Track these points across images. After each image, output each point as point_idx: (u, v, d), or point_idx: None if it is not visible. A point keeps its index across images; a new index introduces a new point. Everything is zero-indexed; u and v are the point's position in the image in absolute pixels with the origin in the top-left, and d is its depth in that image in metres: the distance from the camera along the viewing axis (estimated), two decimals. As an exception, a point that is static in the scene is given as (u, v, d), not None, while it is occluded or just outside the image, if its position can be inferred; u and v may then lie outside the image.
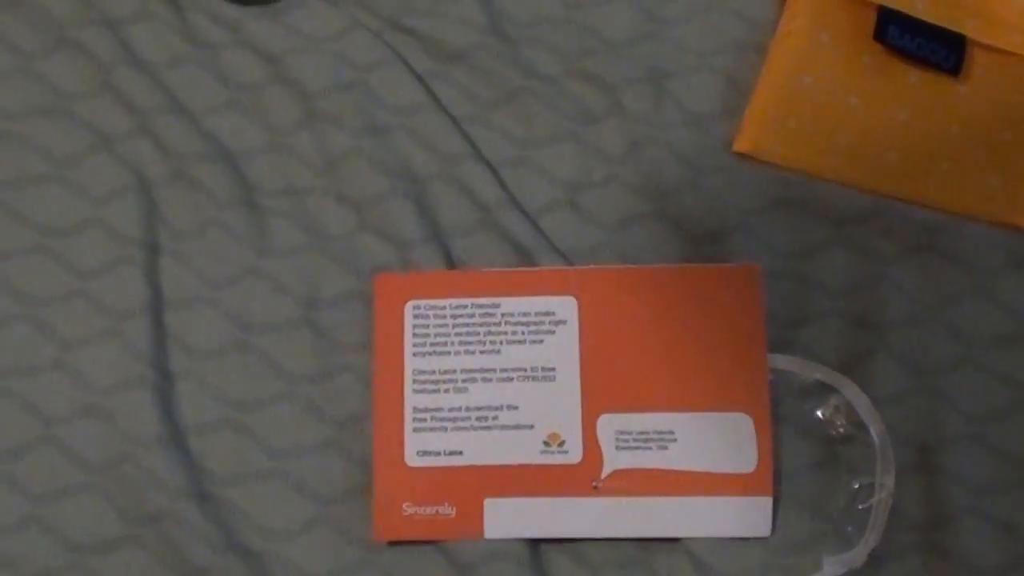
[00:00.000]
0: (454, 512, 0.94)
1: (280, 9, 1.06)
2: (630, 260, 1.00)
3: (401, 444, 0.95)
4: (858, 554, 0.93)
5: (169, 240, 1.00)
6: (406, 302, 0.97)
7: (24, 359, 0.98)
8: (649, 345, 0.96)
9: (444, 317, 0.97)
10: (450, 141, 1.02)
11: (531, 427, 0.95)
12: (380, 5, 1.06)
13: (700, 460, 0.94)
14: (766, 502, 0.94)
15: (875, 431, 0.95)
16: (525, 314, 0.97)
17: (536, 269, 0.98)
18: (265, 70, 1.04)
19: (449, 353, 0.96)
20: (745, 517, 0.94)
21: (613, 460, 0.94)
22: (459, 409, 0.96)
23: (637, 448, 0.94)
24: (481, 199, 1.01)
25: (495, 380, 0.96)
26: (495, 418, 0.95)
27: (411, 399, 0.96)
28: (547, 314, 0.97)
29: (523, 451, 0.95)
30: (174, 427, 0.96)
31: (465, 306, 0.97)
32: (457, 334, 0.97)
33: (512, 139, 1.03)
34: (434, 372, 0.96)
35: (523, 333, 0.97)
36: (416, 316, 0.97)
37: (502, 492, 0.94)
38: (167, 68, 1.04)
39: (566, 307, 0.97)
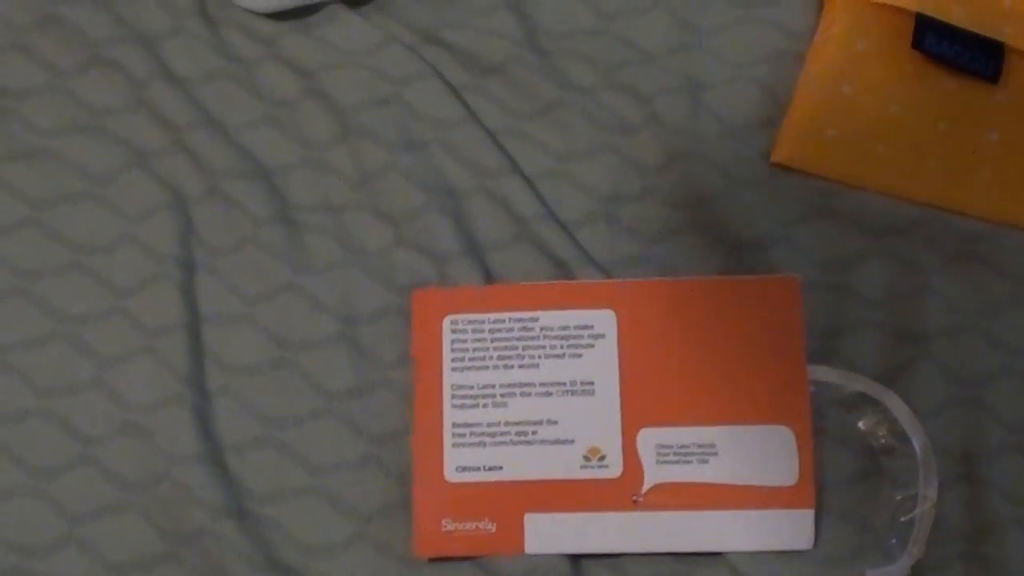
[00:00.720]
0: (494, 528, 0.94)
1: (314, 24, 1.06)
2: (668, 272, 0.99)
3: (440, 459, 0.95)
4: (901, 567, 0.92)
5: (205, 257, 1.00)
6: (444, 317, 0.97)
7: (62, 378, 0.98)
8: (689, 358, 0.95)
9: (482, 331, 0.97)
10: (486, 154, 1.02)
11: (571, 442, 0.95)
12: (415, 18, 1.06)
13: (741, 473, 0.94)
14: (808, 515, 0.93)
15: (917, 442, 0.95)
16: (564, 328, 0.96)
17: (574, 282, 0.98)
18: (300, 85, 1.04)
19: (488, 368, 0.96)
20: (787, 530, 0.93)
21: (654, 474, 0.94)
22: (498, 424, 0.95)
23: (678, 462, 0.94)
24: (518, 212, 1.00)
25: (534, 395, 0.96)
26: (534, 433, 0.95)
27: (450, 414, 0.95)
28: (586, 327, 0.96)
29: (563, 466, 0.94)
30: (212, 444, 0.96)
31: (503, 320, 0.97)
32: (495, 348, 0.96)
33: (549, 151, 1.02)
34: (473, 387, 0.96)
35: (562, 347, 0.96)
36: (454, 331, 0.97)
37: (542, 507, 0.94)
38: (201, 84, 1.04)
39: (605, 320, 0.96)
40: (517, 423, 0.95)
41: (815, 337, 0.98)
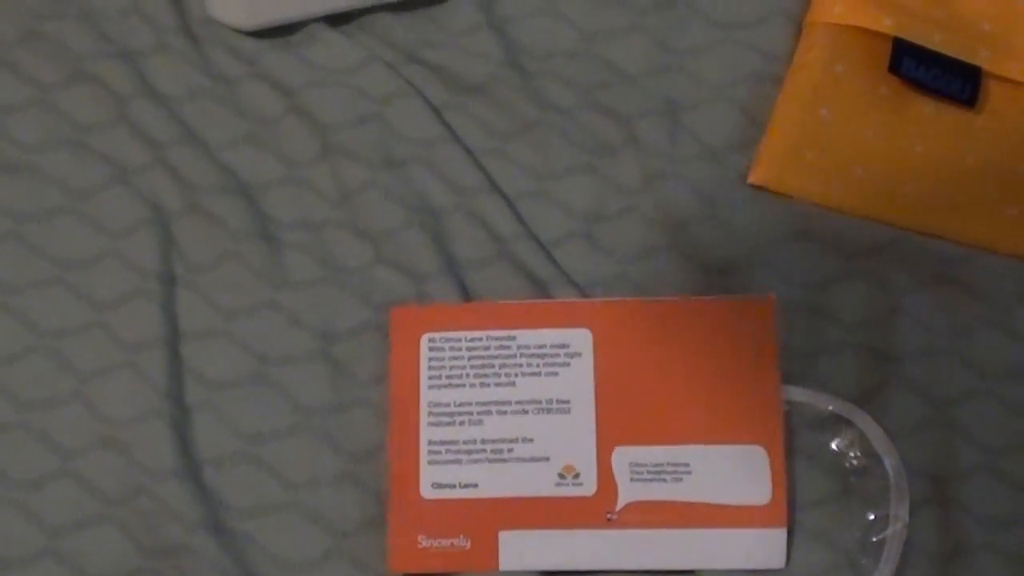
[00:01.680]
0: (469, 544, 0.94)
1: (296, 42, 1.06)
2: (645, 292, 1.00)
3: (416, 476, 0.95)
4: (873, 587, 0.93)
5: (185, 272, 1.01)
6: (422, 335, 0.98)
7: (41, 392, 0.98)
8: (664, 377, 0.96)
9: (460, 350, 0.97)
10: (466, 173, 1.02)
11: (546, 459, 0.95)
12: (396, 38, 1.07)
13: (715, 492, 0.94)
14: (781, 534, 0.94)
15: (889, 463, 0.95)
16: (540, 346, 0.97)
17: (551, 301, 0.99)
18: (282, 103, 1.05)
19: (464, 385, 0.97)
20: (760, 549, 0.94)
21: (628, 492, 0.95)
22: (474, 441, 0.96)
23: (652, 480, 0.95)
24: (497, 231, 1.01)
25: (510, 412, 0.96)
26: (510, 450, 0.95)
27: (426, 431, 0.96)
28: (562, 346, 0.97)
29: (538, 483, 0.95)
30: (190, 459, 0.97)
31: (480, 338, 0.97)
32: (472, 366, 0.97)
33: (528, 171, 1.03)
34: (449, 405, 0.96)
35: (538, 365, 0.97)
36: (432, 348, 0.97)
37: (517, 524, 0.94)
38: (184, 101, 1.05)
39: (581, 339, 0.97)
40: (493, 440, 0.96)
41: (789, 358, 0.98)
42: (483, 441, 0.96)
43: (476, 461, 0.95)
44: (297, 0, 1.05)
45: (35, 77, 1.05)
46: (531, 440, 0.96)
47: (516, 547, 0.94)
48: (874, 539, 0.95)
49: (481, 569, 0.94)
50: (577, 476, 0.95)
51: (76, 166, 1.03)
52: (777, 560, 0.94)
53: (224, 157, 1.04)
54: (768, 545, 0.94)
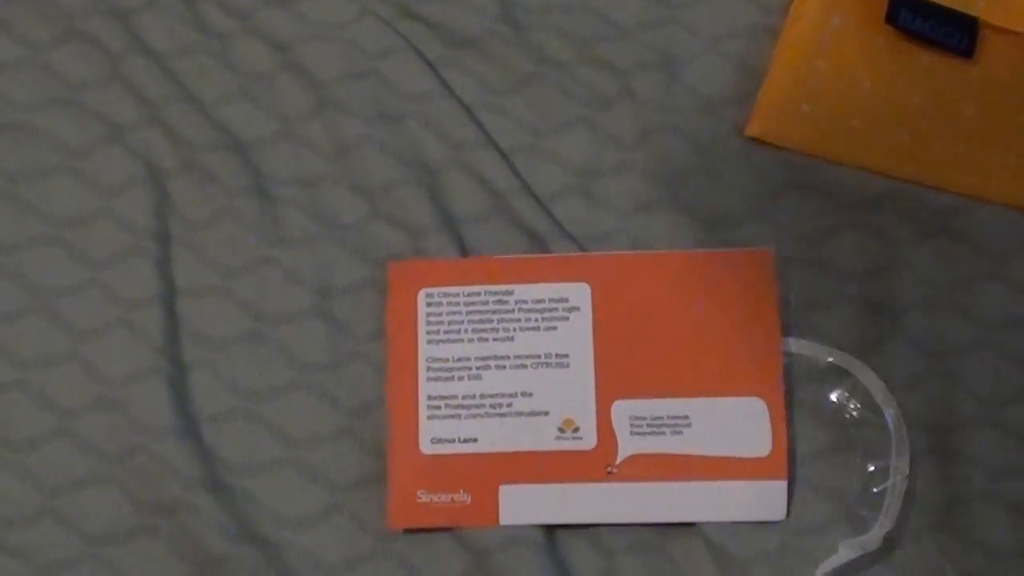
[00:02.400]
0: (469, 499, 0.94)
1: (290, -3, 1.06)
2: (643, 246, 1.00)
3: (416, 432, 0.95)
4: (873, 537, 0.93)
5: (181, 230, 1.00)
6: (419, 290, 0.97)
7: (38, 350, 0.98)
8: (663, 330, 0.96)
9: (457, 304, 0.97)
10: (462, 128, 1.02)
11: (545, 413, 0.95)
12: (391, -8, 1.07)
13: (715, 445, 0.94)
14: (781, 486, 0.94)
15: (890, 415, 0.95)
16: (538, 301, 0.97)
17: (549, 256, 0.98)
18: (275, 59, 1.04)
19: (463, 340, 0.96)
20: (760, 501, 0.94)
21: (628, 445, 0.94)
22: (473, 396, 0.95)
23: (651, 433, 0.94)
24: (494, 186, 1.01)
25: (509, 367, 0.96)
26: (509, 405, 0.95)
27: (425, 387, 0.96)
28: (560, 300, 0.97)
29: (538, 438, 0.95)
30: (188, 417, 0.96)
31: (478, 293, 0.97)
32: (470, 321, 0.97)
33: (524, 126, 1.03)
34: (448, 360, 0.96)
35: (536, 320, 0.97)
36: (429, 304, 0.97)
37: (517, 478, 0.94)
38: (177, 57, 1.04)
39: (579, 293, 0.97)
40: (492, 395, 0.96)
41: (789, 310, 0.98)
42: (482, 396, 0.95)
43: (475, 416, 0.95)
44: (290, -44, 1.05)
45: (26, 36, 1.05)
46: (530, 394, 0.95)
47: (516, 501, 0.94)
48: (874, 490, 0.95)
49: (481, 523, 0.94)
50: (577, 430, 0.95)
51: (69, 125, 1.02)
52: (777, 512, 0.94)
53: (218, 113, 1.03)
54: (768, 497, 0.94)
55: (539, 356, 0.96)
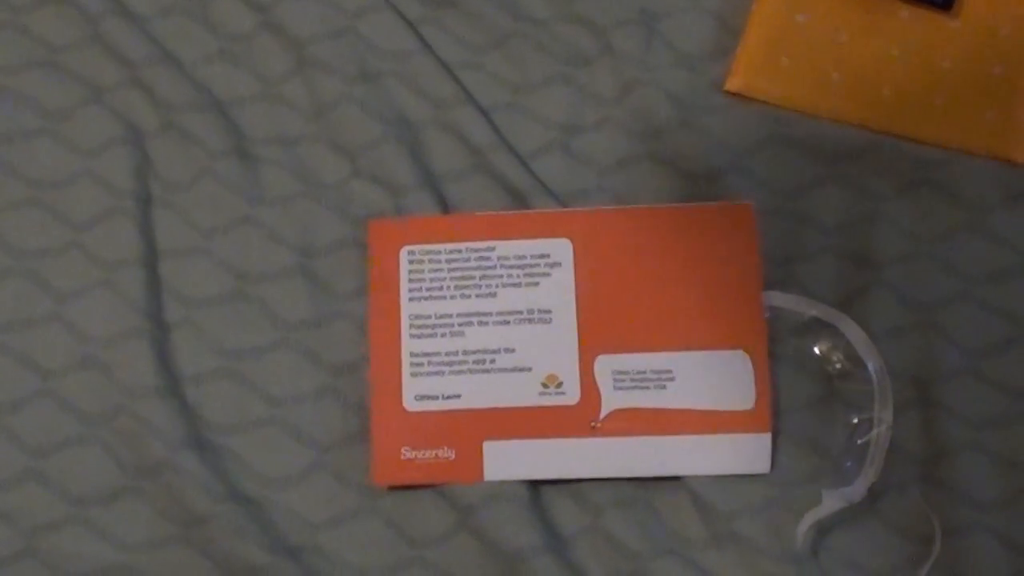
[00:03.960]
0: (453, 455, 0.94)
1: (268, -43, 1.06)
2: (624, 201, 1.00)
3: (399, 389, 0.95)
4: (857, 488, 0.93)
5: (162, 191, 1.00)
6: (401, 247, 0.97)
7: (20, 313, 0.98)
8: (645, 285, 0.96)
9: (439, 262, 0.97)
10: (442, 86, 1.02)
11: (528, 369, 0.95)
12: (368, -49, 1.06)
13: (698, 398, 0.94)
14: (765, 439, 0.94)
15: (872, 367, 0.95)
16: (520, 257, 0.97)
17: (530, 212, 0.98)
18: (255, 19, 1.04)
19: (445, 297, 0.97)
20: (744, 454, 0.94)
21: (611, 400, 0.94)
22: (456, 353, 0.96)
23: (635, 388, 0.95)
24: (474, 143, 1.01)
25: (491, 323, 0.96)
26: (492, 361, 0.95)
27: (408, 344, 0.96)
28: (542, 256, 0.97)
29: (521, 393, 0.95)
30: (171, 377, 0.96)
31: (460, 250, 0.97)
32: (453, 278, 0.97)
33: (504, 83, 1.03)
34: (430, 317, 0.96)
35: (518, 276, 0.97)
36: (411, 261, 0.97)
37: (501, 434, 0.94)
38: (156, 18, 1.04)
39: (561, 249, 0.97)
40: (475, 352, 0.96)
41: (770, 263, 0.98)
42: (465, 352, 0.96)
43: (459, 372, 0.95)
44: (268, -83, 1.04)
45: (5, -1, 1.05)
46: (513, 350, 0.95)
47: (501, 457, 0.94)
48: (858, 442, 0.95)
49: (466, 480, 0.94)
50: (560, 385, 0.95)
51: (49, 87, 1.02)
52: (762, 465, 0.94)
53: (198, 74, 1.03)
54: (753, 450, 0.94)
55: (521, 312, 0.96)
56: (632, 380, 0.95)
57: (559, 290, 0.96)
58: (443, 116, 1.01)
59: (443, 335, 0.96)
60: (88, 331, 0.97)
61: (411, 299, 0.97)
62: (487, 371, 0.95)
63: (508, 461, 0.94)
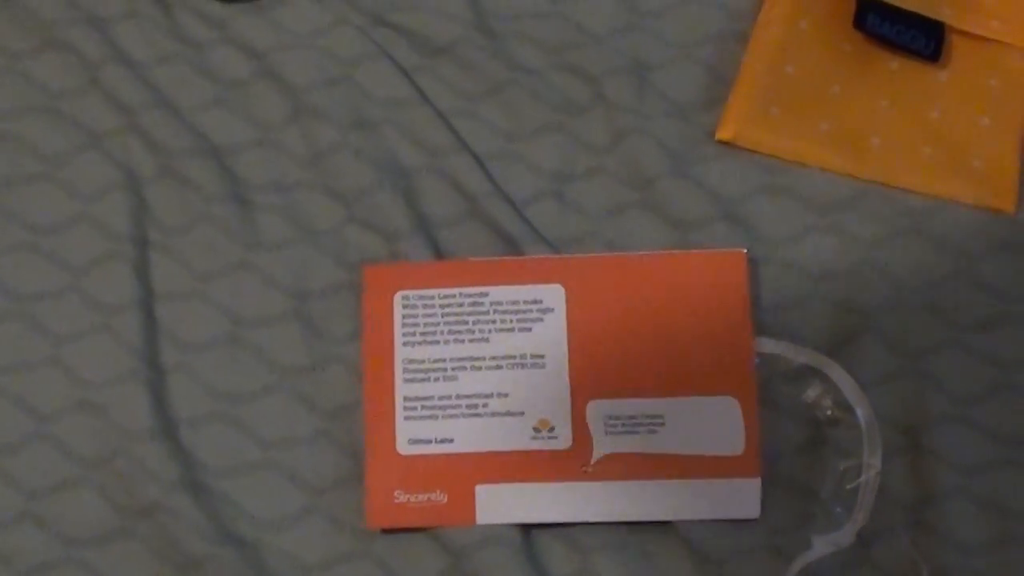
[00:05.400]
0: (446, 499, 0.95)
1: (265, 6, 1.07)
2: (617, 248, 1.01)
3: (392, 433, 0.96)
4: (846, 533, 0.94)
5: (159, 235, 1.01)
6: (395, 292, 0.98)
7: (17, 356, 0.98)
8: (636, 331, 0.97)
9: (433, 307, 0.98)
10: (436, 134, 1.03)
11: (521, 414, 0.96)
12: (364, 1, 1.07)
13: (689, 443, 0.95)
14: (754, 484, 0.95)
15: (861, 413, 0.96)
16: (513, 302, 0.98)
17: (523, 258, 0.99)
18: (252, 66, 1.05)
19: (439, 342, 0.97)
20: (734, 499, 0.95)
21: (603, 445, 0.95)
22: (449, 397, 0.96)
23: (626, 433, 0.95)
24: (468, 190, 1.02)
25: (484, 368, 0.97)
26: (485, 405, 0.96)
27: (402, 388, 0.96)
28: (535, 302, 0.98)
29: (513, 437, 0.95)
30: (166, 420, 0.97)
31: (453, 295, 0.98)
32: (446, 323, 0.97)
33: (498, 131, 1.04)
34: (424, 361, 0.97)
35: (511, 321, 0.97)
36: (405, 306, 0.98)
37: (493, 478, 0.95)
38: (155, 66, 1.05)
39: (554, 295, 0.98)
40: (468, 396, 0.96)
41: (761, 311, 0.99)
42: (458, 396, 0.96)
43: (452, 416, 0.96)
44: (265, -34, 1.06)
45: (5, 45, 1.05)
46: (506, 395, 0.96)
47: (493, 501, 0.95)
48: (847, 487, 0.95)
49: (459, 523, 0.95)
50: (552, 430, 0.95)
51: (48, 132, 1.03)
52: (751, 510, 0.95)
53: (195, 120, 1.04)
54: (742, 495, 0.95)
55: (514, 357, 0.97)
56: (623, 425, 0.95)
57: (552, 335, 0.97)
58: (437, 163, 1.02)
59: (436, 379, 0.97)
60: (84, 374, 0.98)
61: (405, 343, 0.97)
62: (480, 415, 0.96)
63: (500, 505, 0.95)
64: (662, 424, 0.95)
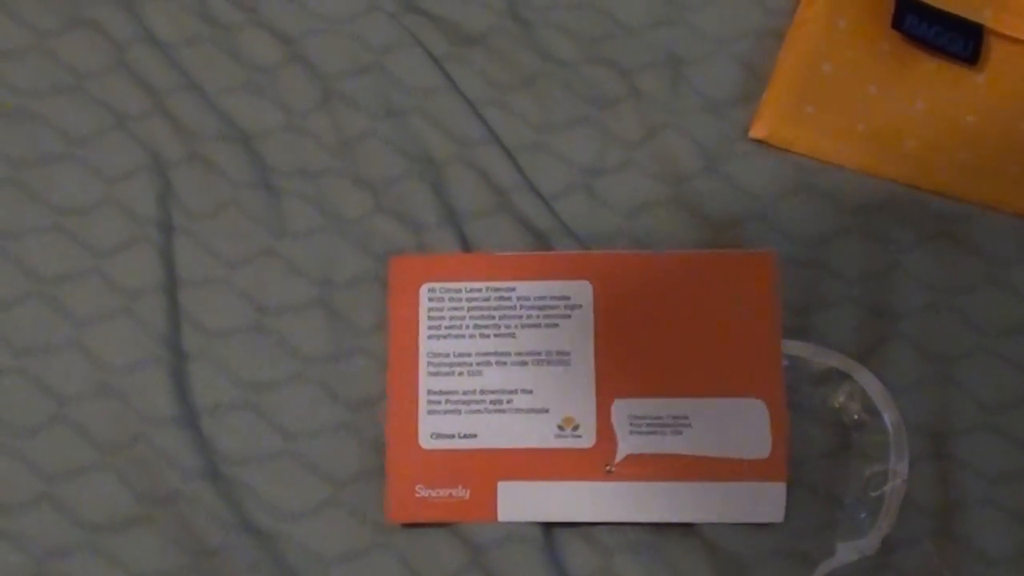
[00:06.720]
0: (468, 495, 0.94)
1: (296, -10, 1.06)
2: (646, 245, 1.00)
3: (415, 426, 0.95)
4: (871, 540, 0.93)
5: (184, 220, 1.00)
6: (421, 285, 0.97)
7: (39, 338, 0.98)
8: (664, 330, 0.96)
9: (459, 300, 0.97)
10: (466, 124, 1.02)
11: (545, 411, 0.95)
12: (396, -13, 1.07)
13: (714, 445, 0.94)
14: (779, 488, 0.94)
15: (889, 418, 0.95)
16: (540, 298, 0.97)
17: (552, 253, 0.99)
18: (281, 51, 1.04)
19: (464, 336, 0.96)
20: (758, 503, 0.94)
21: (627, 445, 0.94)
22: (473, 392, 0.95)
23: (651, 433, 0.94)
24: (497, 183, 1.01)
25: (509, 364, 0.96)
26: (509, 402, 0.95)
27: (426, 382, 0.96)
28: (562, 298, 0.97)
29: (537, 435, 0.95)
30: (188, 407, 0.96)
31: (480, 289, 0.97)
32: (472, 317, 0.97)
33: (529, 123, 1.03)
34: (449, 355, 0.96)
35: (538, 317, 0.97)
36: (431, 299, 0.97)
37: (516, 475, 0.94)
38: (183, 48, 1.04)
39: (581, 291, 0.97)
40: (492, 391, 0.96)
41: (790, 312, 0.98)
42: (482, 392, 0.95)
43: (475, 412, 0.95)
44: (297, -51, 1.05)
45: (32, 23, 1.04)
46: (530, 391, 0.95)
47: (515, 498, 0.94)
48: (873, 494, 0.95)
49: (480, 519, 0.94)
50: (576, 428, 0.95)
51: (74, 112, 1.02)
52: (776, 514, 0.94)
53: (223, 105, 1.03)
54: (767, 499, 0.94)
55: (540, 353, 0.96)
56: (648, 425, 0.95)
57: (578, 333, 0.96)
58: (467, 154, 1.02)
59: (461, 374, 0.96)
60: (106, 358, 0.97)
61: (430, 337, 0.97)
62: (504, 411, 0.95)
63: (522, 502, 0.94)
64: (687, 425, 0.95)
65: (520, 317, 0.97)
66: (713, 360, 0.96)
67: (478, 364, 0.96)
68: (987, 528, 0.94)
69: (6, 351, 0.97)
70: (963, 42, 1.01)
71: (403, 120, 1.03)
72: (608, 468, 0.94)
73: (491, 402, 0.95)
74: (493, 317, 0.97)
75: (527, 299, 0.97)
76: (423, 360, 0.96)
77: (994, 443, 0.96)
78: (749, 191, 1.01)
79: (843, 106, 1.01)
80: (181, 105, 1.02)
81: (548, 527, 0.95)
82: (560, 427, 0.95)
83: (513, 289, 0.97)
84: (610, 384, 0.95)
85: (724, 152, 1.02)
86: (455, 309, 0.97)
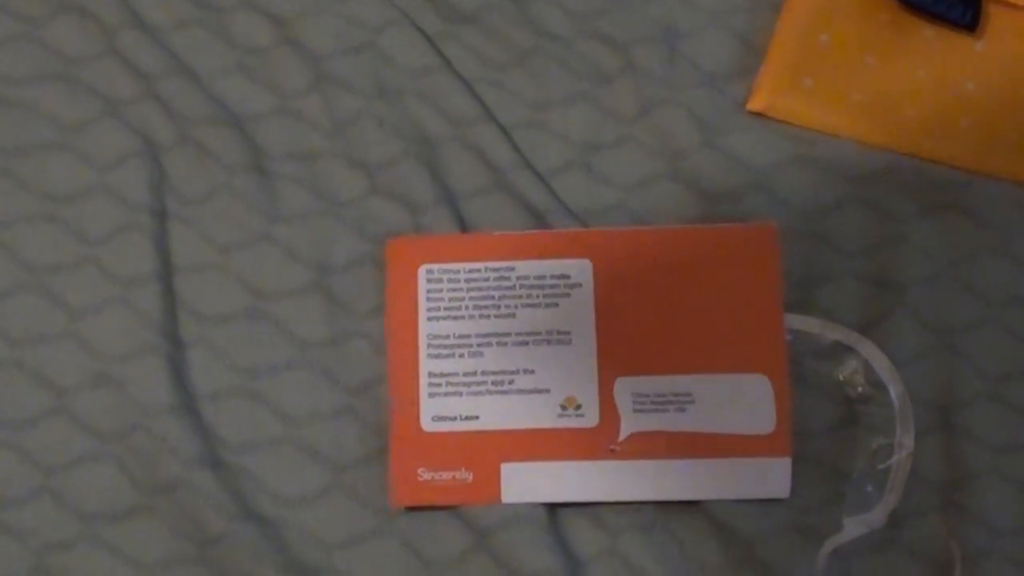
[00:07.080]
0: (471, 477, 0.94)
1: (287, -29, 1.05)
2: (645, 221, 0.99)
3: (416, 409, 0.94)
4: (878, 514, 0.93)
5: (178, 206, 0.99)
6: (419, 266, 0.97)
7: (33, 328, 0.97)
8: (665, 307, 0.95)
9: (458, 281, 0.96)
10: (462, 103, 1.01)
11: (547, 391, 0.94)
12: (389, -35, 1.06)
13: (718, 422, 0.94)
14: (785, 463, 0.93)
15: (894, 391, 0.95)
16: (540, 277, 0.96)
17: (550, 231, 0.98)
18: (273, 33, 1.03)
19: (463, 317, 0.96)
20: (764, 478, 0.93)
21: (630, 423, 0.94)
22: (474, 374, 0.95)
23: (654, 411, 0.94)
24: (494, 161, 1.00)
25: (510, 344, 0.95)
26: (511, 382, 0.94)
27: (426, 364, 0.95)
28: (562, 277, 0.96)
29: (540, 415, 0.94)
30: (186, 395, 0.96)
31: (479, 270, 0.96)
32: (471, 298, 0.96)
33: (524, 100, 1.02)
34: (449, 336, 0.95)
35: (538, 296, 0.96)
36: (429, 280, 0.96)
37: (519, 456, 0.94)
38: (173, 31, 1.03)
39: (581, 270, 0.96)
40: (493, 372, 0.95)
41: (792, 286, 0.97)
42: (483, 373, 0.95)
43: (477, 393, 0.95)
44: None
45: (21, 10, 1.03)
46: (532, 372, 0.95)
47: (518, 479, 0.93)
48: (879, 467, 0.94)
49: (483, 501, 0.94)
50: (579, 407, 0.94)
51: (65, 99, 1.01)
52: (782, 489, 0.94)
53: (215, 88, 1.02)
54: (772, 474, 0.93)
55: (540, 333, 0.95)
56: (651, 403, 0.94)
57: (579, 311, 0.96)
58: (462, 133, 1.01)
59: (461, 355, 0.95)
60: (102, 347, 0.96)
61: (429, 318, 0.96)
62: (505, 392, 0.95)
63: (526, 483, 0.94)
64: (691, 402, 0.94)
65: (520, 297, 0.96)
66: (715, 336, 0.95)
67: (478, 345, 0.95)
68: (993, 499, 0.94)
69: (1, 342, 0.96)
70: (962, 9, 1.01)
71: (397, 100, 1.02)
72: (612, 447, 0.94)
73: (492, 383, 0.95)
74: (492, 297, 0.96)
75: (526, 278, 0.96)
76: (423, 342, 0.95)
77: (1000, 414, 0.95)
78: (748, 164, 1.00)
79: (841, 77, 1.01)
80: (172, 90, 1.02)
81: (553, 508, 0.94)
82: (563, 407, 0.94)
83: (512, 269, 0.96)
84: (612, 362, 0.95)
85: (722, 125, 1.01)
86: (454, 290, 0.96)
